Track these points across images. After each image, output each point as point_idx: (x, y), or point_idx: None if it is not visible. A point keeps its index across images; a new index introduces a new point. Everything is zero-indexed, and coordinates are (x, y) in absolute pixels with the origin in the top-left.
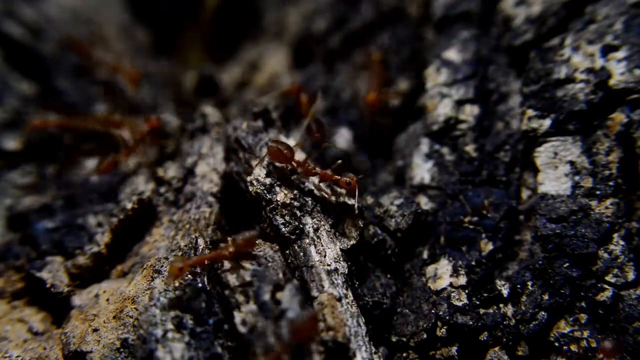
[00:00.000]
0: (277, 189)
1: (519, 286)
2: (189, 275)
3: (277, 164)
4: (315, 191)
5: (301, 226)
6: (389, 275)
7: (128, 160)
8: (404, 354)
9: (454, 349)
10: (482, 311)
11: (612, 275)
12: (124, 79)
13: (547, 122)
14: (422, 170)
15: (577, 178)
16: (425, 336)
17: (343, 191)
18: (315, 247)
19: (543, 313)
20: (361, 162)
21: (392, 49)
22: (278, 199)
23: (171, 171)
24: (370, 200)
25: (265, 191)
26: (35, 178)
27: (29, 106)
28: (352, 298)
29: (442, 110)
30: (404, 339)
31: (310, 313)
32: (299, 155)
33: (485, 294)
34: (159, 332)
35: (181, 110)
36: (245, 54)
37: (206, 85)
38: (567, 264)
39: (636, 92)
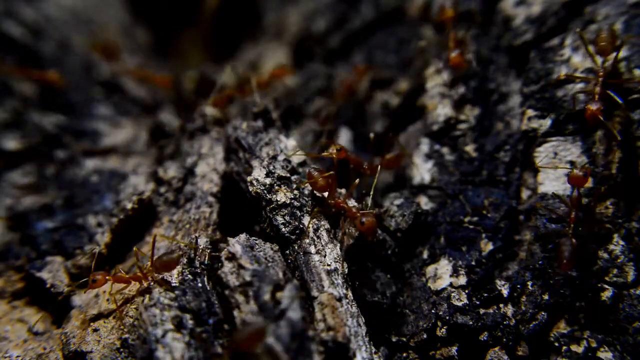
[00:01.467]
0: (277, 189)
1: (519, 286)
2: (189, 275)
3: (315, 191)
4: (315, 192)
5: (301, 226)
6: (389, 275)
7: (245, 97)
8: (404, 354)
9: (454, 349)
10: (482, 311)
11: (612, 275)
12: (158, 86)
13: (547, 122)
14: (422, 170)
15: None
16: (425, 336)
17: (343, 191)
18: (315, 247)
19: (543, 313)
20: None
21: (392, 49)
22: (278, 199)
23: (171, 171)
24: (370, 200)
25: (265, 191)
26: (35, 178)
27: (29, 106)
28: (352, 298)
29: (442, 110)
30: (404, 339)
31: (258, 325)
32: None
33: (485, 294)
34: (159, 332)
35: (181, 110)
36: (245, 54)
37: (206, 85)
38: None
39: (636, 92)
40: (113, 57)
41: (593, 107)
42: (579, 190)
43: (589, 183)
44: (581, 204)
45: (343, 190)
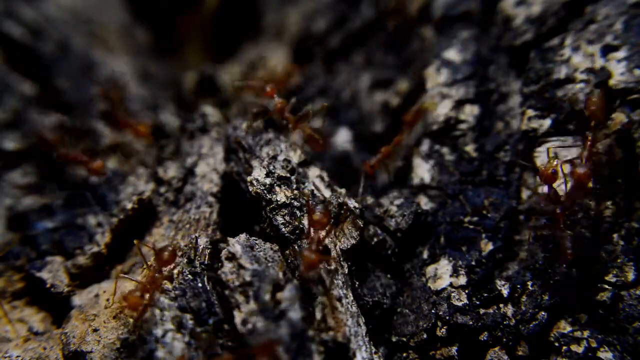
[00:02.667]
0: (277, 189)
1: (519, 286)
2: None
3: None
4: (316, 191)
5: (301, 226)
6: (389, 275)
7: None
8: (404, 354)
9: (454, 349)
10: (482, 311)
11: (612, 275)
12: (135, 135)
13: (547, 122)
14: (422, 170)
15: None
16: (425, 336)
17: (343, 191)
18: None
19: (543, 313)
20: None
21: (392, 49)
22: (278, 199)
23: (171, 171)
24: (370, 200)
25: (265, 191)
26: (35, 178)
27: (29, 106)
28: (352, 298)
29: (442, 110)
30: (404, 339)
31: (269, 338)
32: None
33: (485, 294)
34: (159, 332)
35: (181, 110)
36: (245, 54)
37: (206, 85)
38: (567, 264)
39: (636, 92)
40: (112, 104)
41: (580, 170)
42: (552, 187)
43: (589, 183)
44: (559, 198)
45: (343, 191)
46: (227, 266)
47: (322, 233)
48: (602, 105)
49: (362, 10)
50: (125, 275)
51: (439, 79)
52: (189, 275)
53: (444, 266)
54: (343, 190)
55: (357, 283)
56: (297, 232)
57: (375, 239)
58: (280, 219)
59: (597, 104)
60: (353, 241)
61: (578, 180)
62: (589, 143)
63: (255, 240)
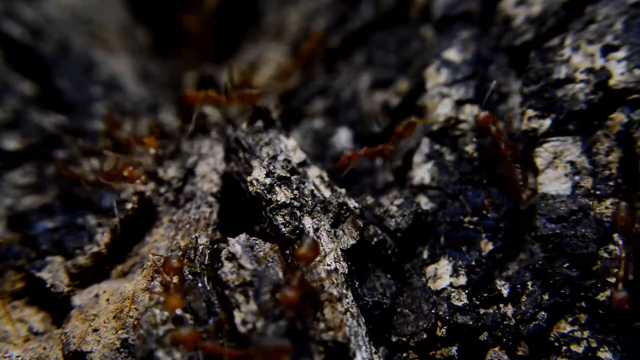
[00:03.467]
0: (277, 189)
1: (519, 286)
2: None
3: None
4: (315, 191)
5: (301, 226)
6: (389, 275)
7: None
8: (404, 354)
9: (454, 349)
10: (482, 311)
11: (612, 275)
12: (148, 146)
13: (547, 122)
14: (422, 170)
15: (577, 178)
16: (425, 336)
17: (343, 191)
18: None
19: (543, 313)
20: (361, 162)
21: (392, 49)
22: (278, 199)
23: (171, 171)
24: (370, 200)
25: (265, 191)
26: (35, 178)
27: (29, 106)
28: (352, 298)
29: (442, 110)
30: (404, 339)
31: (283, 343)
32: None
33: (485, 294)
34: (159, 332)
35: (181, 110)
36: (245, 54)
37: (206, 85)
38: (567, 264)
39: (636, 92)
40: (116, 127)
41: (618, 296)
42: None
43: (589, 183)
44: (500, 136)
45: (343, 191)
46: (227, 266)
47: (307, 268)
48: (631, 219)
49: (362, 10)
50: (146, 288)
51: (439, 79)
52: (189, 275)
53: (444, 266)
54: (343, 190)
55: (357, 283)
56: (297, 232)
57: (375, 239)
58: (280, 219)
59: (626, 219)
60: (353, 241)
61: (619, 304)
62: (623, 262)
63: (255, 240)
